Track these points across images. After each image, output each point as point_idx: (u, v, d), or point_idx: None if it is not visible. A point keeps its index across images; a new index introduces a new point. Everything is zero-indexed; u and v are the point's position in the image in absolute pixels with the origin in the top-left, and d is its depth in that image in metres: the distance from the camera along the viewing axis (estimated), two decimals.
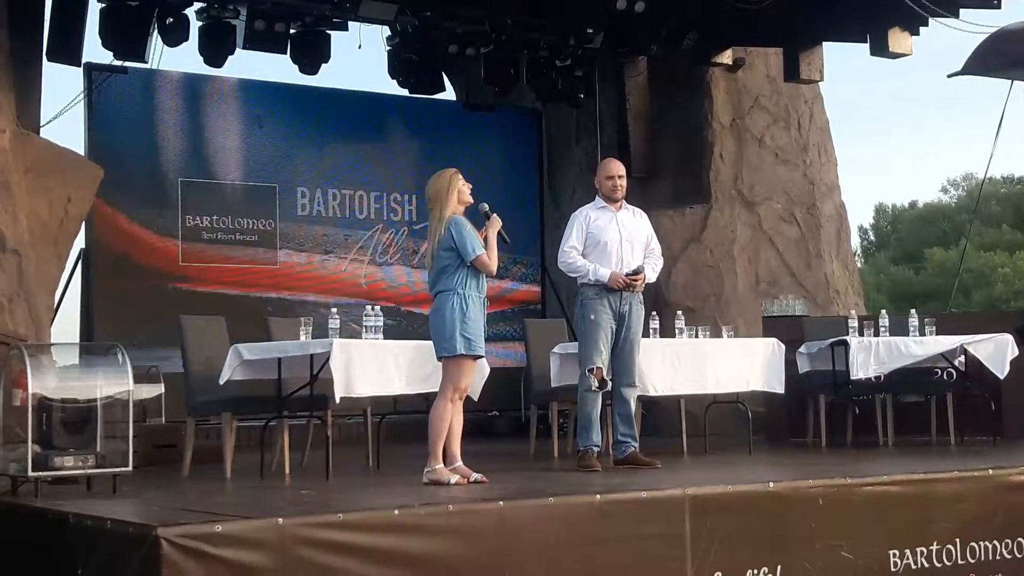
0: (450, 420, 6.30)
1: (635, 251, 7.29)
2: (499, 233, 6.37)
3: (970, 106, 61.78)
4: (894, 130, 64.64)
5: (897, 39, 10.65)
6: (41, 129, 9.89)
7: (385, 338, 7.16)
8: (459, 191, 6.37)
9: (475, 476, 6.24)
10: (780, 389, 8.66)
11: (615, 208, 7.33)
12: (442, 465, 6.27)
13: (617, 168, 7.42)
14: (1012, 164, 42.14)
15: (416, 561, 4.78)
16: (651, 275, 7.38)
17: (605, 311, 7.13)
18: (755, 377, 8.54)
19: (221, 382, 7.08)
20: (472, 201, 6.42)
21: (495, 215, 6.38)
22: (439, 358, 6.31)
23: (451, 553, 4.88)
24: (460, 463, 6.35)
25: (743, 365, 8.50)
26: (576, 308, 7.33)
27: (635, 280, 7.16)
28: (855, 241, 42.80)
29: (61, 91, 10.83)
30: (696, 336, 8.50)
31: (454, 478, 6.15)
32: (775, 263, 12.15)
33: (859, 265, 37.54)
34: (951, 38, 10.70)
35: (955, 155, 63.29)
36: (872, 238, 49.29)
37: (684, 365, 8.15)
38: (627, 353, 7.23)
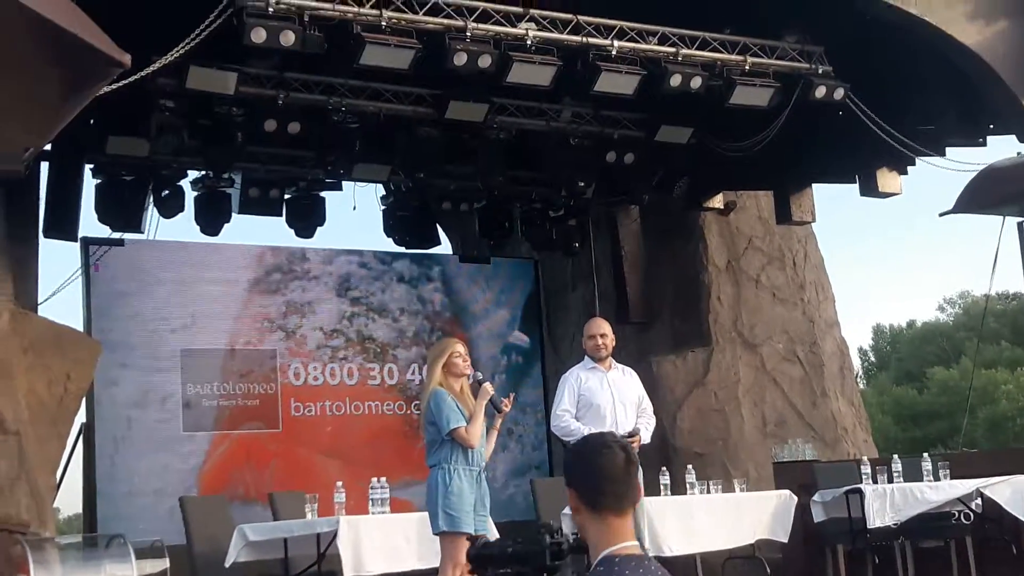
0: None
1: (628, 412, 7.21)
2: (491, 402, 6.27)
3: (961, 226, 62.48)
4: (886, 250, 65.27)
5: (886, 179, 10.74)
6: (39, 306, 9.87)
7: None
8: (448, 363, 6.29)
9: None
10: (784, 538, 8.48)
11: (605, 368, 7.27)
12: None
13: (600, 327, 7.37)
14: (1007, 281, 42.41)
15: None
16: (645, 436, 7.28)
17: None
18: (762, 527, 8.37)
19: (227, 565, 6.94)
20: (467, 373, 6.33)
21: (487, 384, 6.29)
22: (434, 534, 6.20)
23: None
24: None
25: (754, 518, 8.35)
26: None
27: (631, 443, 7.07)
28: (856, 363, 42.80)
29: (58, 267, 10.89)
30: (708, 490, 8.36)
31: None
32: (780, 404, 12.05)
33: (861, 386, 37.50)
34: (940, 173, 10.78)
35: (950, 274, 63.77)
36: (872, 359, 49.26)
37: (697, 523, 8.00)
38: (636, 517, 7.07)
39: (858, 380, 32.26)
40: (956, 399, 36.50)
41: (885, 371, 46.02)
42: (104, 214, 10.32)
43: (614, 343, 7.37)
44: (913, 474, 8.87)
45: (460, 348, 6.37)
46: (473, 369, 6.42)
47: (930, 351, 43.26)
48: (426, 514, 7.00)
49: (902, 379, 42.91)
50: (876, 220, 67.22)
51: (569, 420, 7.09)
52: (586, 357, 7.36)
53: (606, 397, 7.16)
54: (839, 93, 9.39)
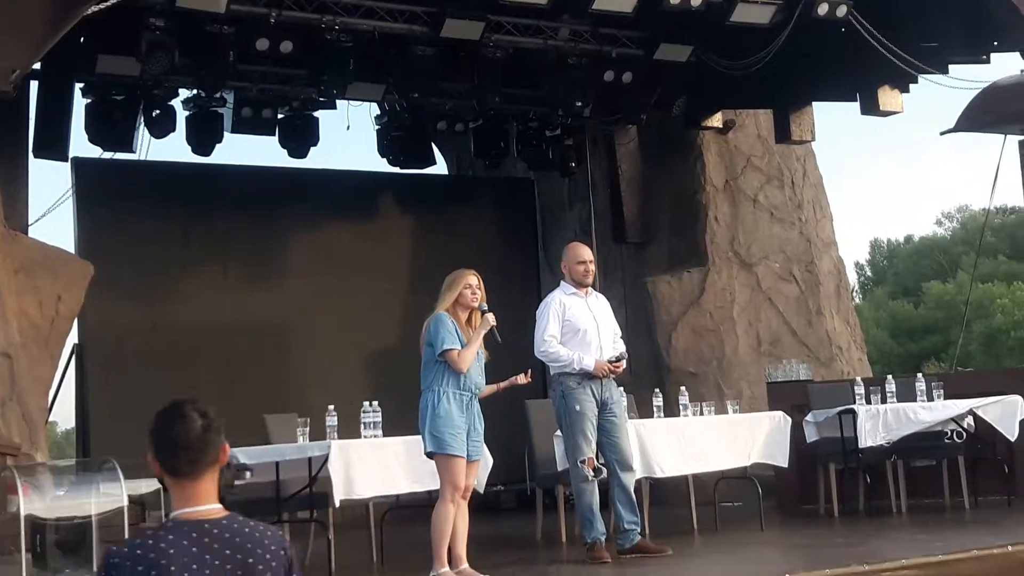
0: (453, 520, 6.16)
1: (608, 336, 7.20)
2: (491, 331, 6.26)
3: (959, 140, 62.09)
4: (885, 168, 64.99)
5: (887, 97, 10.59)
6: (29, 227, 9.82)
7: None
8: (460, 294, 6.27)
9: None
10: (783, 463, 8.54)
11: (584, 293, 7.24)
12: (447, 568, 6.12)
13: (588, 253, 7.35)
14: (1005, 196, 42.26)
15: None
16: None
17: (589, 400, 7.01)
18: (759, 450, 8.41)
19: None
20: (472, 305, 6.31)
21: (489, 315, 6.28)
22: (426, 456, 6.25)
23: None
24: (466, 565, 6.21)
25: (748, 439, 8.38)
26: (556, 398, 7.14)
27: (617, 367, 7.07)
28: (852, 277, 42.86)
29: (48, 187, 10.80)
30: (700, 412, 8.39)
31: None
32: (776, 323, 12.04)
33: (857, 301, 37.61)
34: (942, 91, 10.65)
35: (948, 188, 63.56)
36: (869, 274, 49.33)
37: (690, 445, 8.04)
38: (619, 440, 7.09)
39: (854, 295, 32.33)
40: (952, 313, 36.66)
41: (882, 286, 46.12)
42: (94, 134, 10.21)
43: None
44: (907, 394, 8.90)
45: (474, 280, 6.33)
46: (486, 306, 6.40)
47: (927, 265, 43.32)
48: (418, 437, 7.05)
49: (898, 293, 43.02)
50: (877, 140, 66.87)
51: (557, 346, 7.06)
52: (563, 283, 7.30)
53: (590, 322, 7.13)
54: (842, 10, 9.23)
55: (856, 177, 59.12)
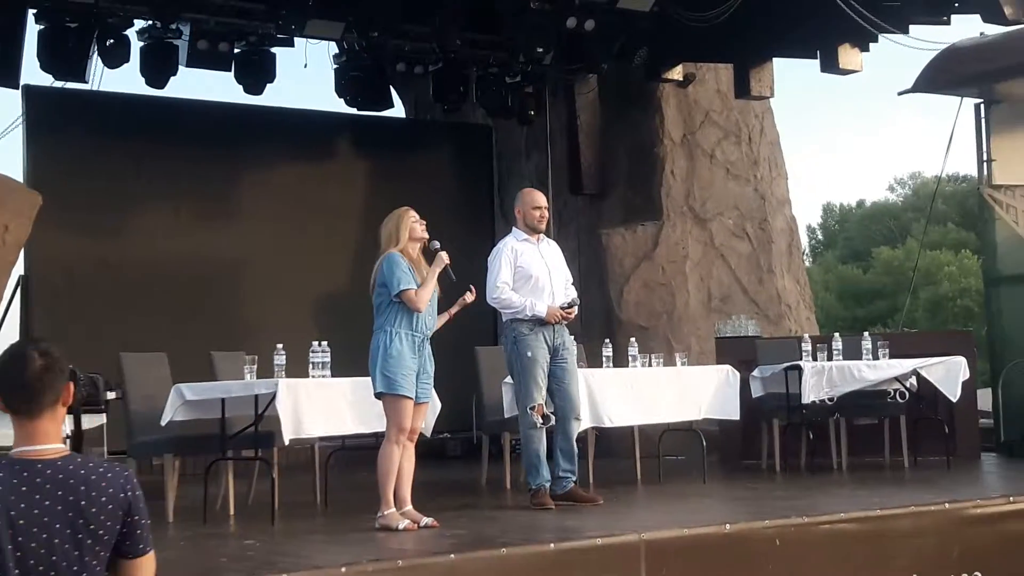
0: (399, 461, 6.16)
1: (560, 283, 7.20)
2: (445, 270, 6.24)
3: (915, 106, 62.49)
4: (840, 130, 65.29)
5: (847, 55, 10.63)
6: None
7: None
8: (410, 228, 6.24)
9: (425, 521, 6.10)
10: (735, 416, 8.62)
11: (536, 240, 7.22)
12: (393, 510, 6.13)
13: (543, 199, 7.33)
14: (957, 163, 42.65)
15: None
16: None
17: (541, 346, 7.01)
18: (708, 405, 8.49)
19: (163, 423, 6.90)
20: (427, 237, 6.30)
21: (442, 253, 6.25)
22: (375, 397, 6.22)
23: None
24: (410, 507, 6.21)
25: (698, 393, 8.44)
26: (508, 344, 7.14)
27: (570, 313, 7.08)
28: (804, 240, 43.14)
29: None
30: (649, 363, 8.42)
31: (403, 523, 6.01)
32: (727, 279, 12.10)
33: (807, 264, 37.89)
34: (901, 52, 10.68)
35: (901, 154, 63.97)
36: (820, 237, 49.71)
37: (639, 395, 8.08)
38: (569, 388, 7.10)
39: (805, 258, 32.55)
40: (900, 279, 37.04)
41: (832, 249, 46.50)
42: (47, 62, 9.98)
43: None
44: (853, 352, 8.98)
45: (415, 214, 6.32)
46: (430, 236, 6.36)
47: (877, 231, 43.71)
48: (367, 378, 7.02)
49: (848, 258, 43.41)
50: (835, 100, 67.04)
51: (509, 293, 7.05)
52: (515, 229, 7.28)
53: (542, 269, 7.12)
54: None
55: (813, 138, 59.31)
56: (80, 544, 2.70)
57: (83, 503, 2.71)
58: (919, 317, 34.42)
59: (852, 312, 37.66)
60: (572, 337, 7.28)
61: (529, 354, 6.96)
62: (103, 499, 2.73)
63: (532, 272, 7.07)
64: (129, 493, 2.79)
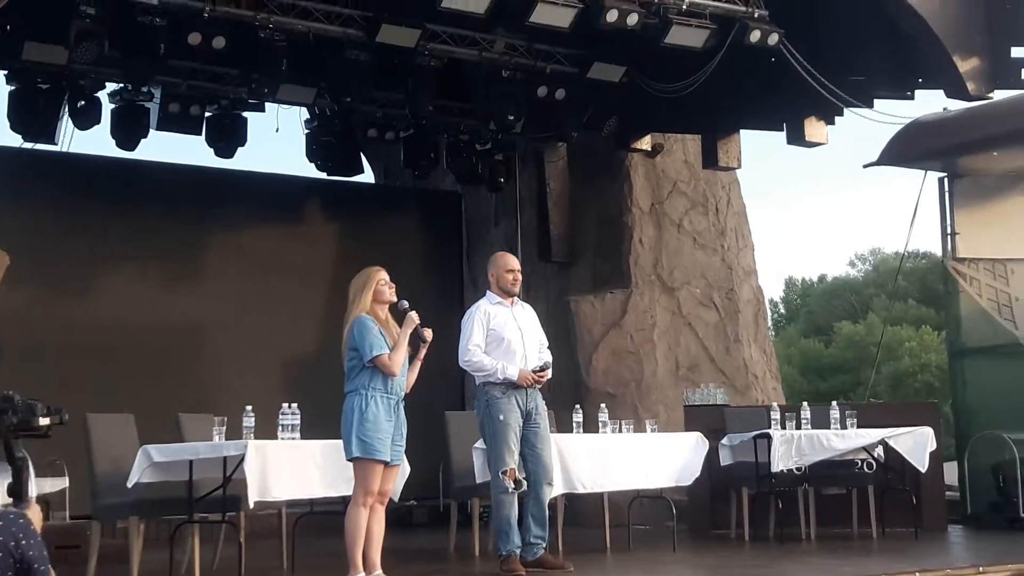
0: (366, 525, 6.08)
1: (533, 346, 7.19)
2: (416, 331, 6.20)
3: (877, 183, 63.44)
4: (803, 204, 66.10)
5: (813, 128, 10.78)
6: None
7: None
8: (376, 291, 6.21)
9: None
10: (688, 482, 8.57)
11: (510, 303, 7.23)
12: (362, 574, 6.04)
13: (516, 262, 7.36)
14: (917, 240, 43.23)
15: None
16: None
17: (513, 410, 6.98)
18: (680, 472, 8.44)
19: (129, 484, 6.79)
20: (394, 300, 6.26)
21: (412, 313, 6.20)
22: (347, 460, 6.15)
23: None
24: (380, 571, 6.13)
25: (668, 460, 8.41)
26: (480, 408, 7.10)
27: (542, 377, 7.07)
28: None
29: None
30: (620, 430, 8.40)
31: None
32: (695, 348, 12.14)
33: (771, 336, 38.15)
34: (865, 126, 10.86)
35: (862, 230, 64.82)
36: (782, 311, 50.08)
37: (610, 462, 8.04)
38: (542, 452, 7.07)
39: (769, 331, 32.76)
40: (861, 354, 37.33)
41: (794, 323, 46.84)
42: (16, 122, 9.99)
43: None
44: (821, 422, 8.99)
45: (384, 275, 6.29)
46: (398, 298, 6.33)
47: (839, 306, 44.13)
48: (338, 441, 6.94)
49: (810, 332, 43.73)
50: (800, 172, 68.02)
51: (481, 356, 7.04)
52: (489, 292, 7.29)
53: (514, 331, 7.12)
54: (773, 38, 9.36)
55: (777, 210, 59.99)
56: None
57: None
58: (881, 391, 34.63)
59: (815, 386, 37.84)
60: (543, 402, 7.26)
61: (501, 417, 6.93)
62: None
63: (504, 335, 7.06)
64: (22, 541, 2.73)
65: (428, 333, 6.24)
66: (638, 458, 8.26)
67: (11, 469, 3.11)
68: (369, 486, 6.05)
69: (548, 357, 7.26)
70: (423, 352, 6.33)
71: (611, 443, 8.20)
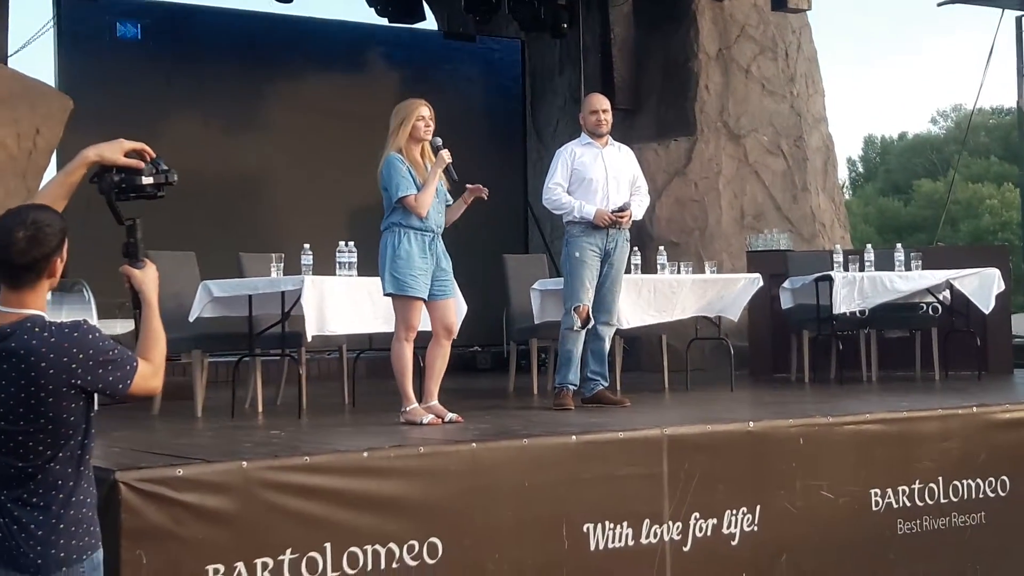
0: (410, 357, 6.15)
1: (621, 188, 7.15)
2: (447, 170, 6.15)
3: (959, 36, 61.41)
4: (884, 61, 64.29)
5: None
6: (9, 59, 9.62)
7: None
8: (413, 126, 6.14)
9: (450, 416, 6.11)
10: (735, 317, 8.43)
11: (601, 144, 7.17)
12: (415, 405, 6.14)
13: (601, 102, 7.24)
14: (1001, 95, 41.97)
15: (386, 504, 4.66)
16: (638, 212, 7.24)
17: (591, 248, 7.00)
18: (719, 305, 8.34)
19: (191, 319, 6.94)
20: (425, 139, 6.17)
21: (444, 151, 6.12)
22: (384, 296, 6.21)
23: (422, 495, 4.75)
24: (436, 402, 6.23)
25: (717, 297, 8.31)
26: (563, 245, 7.18)
27: (621, 217, 7.02)
28: (843, 172, 42.72)
29: (30, 20, 10.56)
30: (678, 271, 8.34)
31: (427, 418, 6.02)
32: (761, 196, 11.97)
33: (847, 197, 37.49)
34: None
35: (944, 86, 63.01)
36: (860, 170, 49.25)
37: (656, 298, 7.98)
38: (608, 291, 7.11)
39: (844, 190, 32.09)
40: (940, 212, 36.66)
41: (872, 182, 46.04)
42: None
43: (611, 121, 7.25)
44: (885, 264, 8.88)
45: (426, 111, 6.18)
46: (433, 135, 6.25)
47: (919, 163, 43.21)
48: None
49: (888, 190, 42.99)
50: (873, 19, 65.93)
51: (560, 193, 7.08)
52: (583, 133, 7.26)
53: (599, 172, 7.09)
54: None
55: (856, 66, 58.43)
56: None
57: (22, 367, 2.74)
58: None
59: (892, 245, 37.39)
60: (628, 243, 7.22)
61: (578, 255, 6.97)
62: (43, 365, 2.75)
63: (587, 175, 7.06)
64: (81, 362, 2.79)
65: (474, 191, 6.21)
66: (686, 296, 8.15)
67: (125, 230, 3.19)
68: (408, 321, 6.11)
69: (643, 199, 7.26)
70: (475, 191, 6.28)
71: (658, 281, 8.11)
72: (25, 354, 2.73)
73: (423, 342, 6.31)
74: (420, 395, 6.22)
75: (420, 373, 6.35)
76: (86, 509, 2.87)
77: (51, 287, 2.90)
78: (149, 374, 2.92)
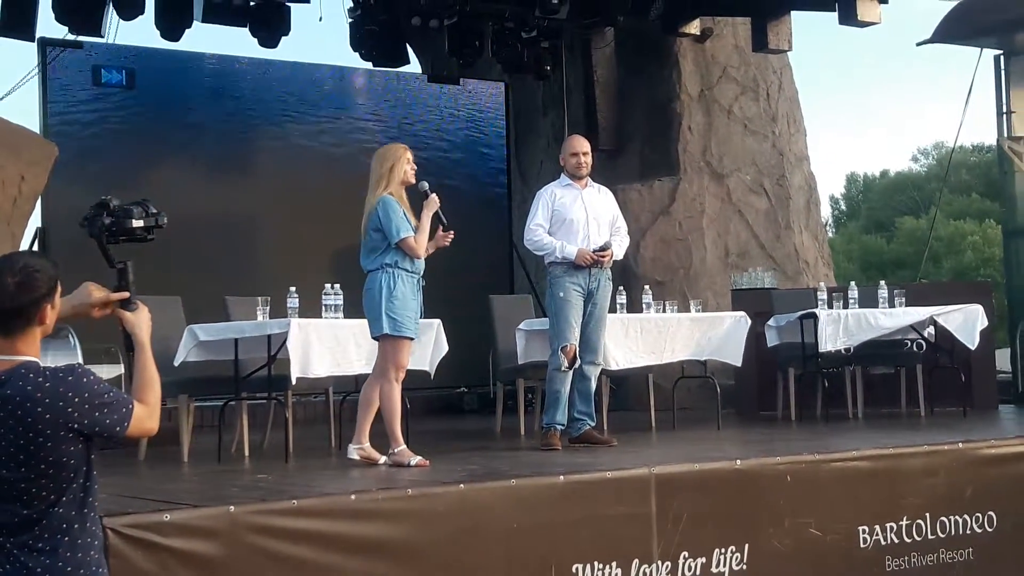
0: (399, 399, 6.22)
1: (601, 229, 7.23)
2: (436, 214, 6.24)
3: (940, 75, 62.03)
4: (865, 99, 64.87)
5: (865, 7, 10.51)
6: None
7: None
8: (403, 172, 6.22)
9: (415, 459, 6.07)
10: (737, 362, 8.49)
11: (580, 185, 7.25)
12: (403, 447, 6.16)
13: (582, 145, 7.33)
14: (981, 133, 42.35)
15: (374, 547, 4.65)
16: (618, 252, 7.31)
17: (575, 288, 7.05)
18: (715, 348, 8.39)
19: (176, 363, 6.92)
20: (413, 182, 6.29)
21: (433, 195, 6.26)
22: (372, 338, 6.23)
23: (410, 538, 4.75)
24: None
25: (705, 337, 8.36)
26: (546, 287, 7.25)
27: (602, 256, 7.07)
28: (826, 211, 42.97)
29: (14, 66, 10.61)
30: (664, 311, 8.38)
31: (415, 459, 6.03)
32: (744, 235, 12.04)
33: (830, 235, 37.70)
34: (919, 6, 10.57)
35: (925, 124, 63.55)
36: (843, 207, 49.49)
37: (645, 338, 8.03)
38: (593, 331, 7.15)
39: (827, 228, 32.27)
40: (923, 249, 36.81)
41: (855, 220, 46.28)
42: (61, 13, 9.99)
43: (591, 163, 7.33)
44: (869, 302, 8.93)
45: (410, 154, 6.32)
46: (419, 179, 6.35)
47: (901, 201, 43.46)
48: None
49: (871, 228, 43.18)
50: (853, 58, 66.55)
51: (542, 234, 7.15)
52: (562, 175, 7.34)
53: (580, 213, 7.17)
54: None
55: (838, 103, 58.92)
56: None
57: (19, 414, 2.72)
58: None
59: (875, 282, 37.53)
60: (610, 283, 7.27)
61: (562, 295, 7.03)
62: (40, 409, 2.73)
63: (567, 216, 7.14)
64: (75, 407, 2.77)
65: (447, 237, 6.28)
66: (672, 336, 8.20)
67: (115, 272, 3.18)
68: (400, 361, 6.17)
69: (623, 240, 7.35)
70: (442, 239, 6.31)
71: (646, 321, 8.16)
72: (21, 400, 2.72)
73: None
74: (363, 436, 6.23)
75: (405, 415, 6.36)
76: (93, 551, 2.85)
77: (44, 334, 2.88)
78: (145, 416, 2.91)
